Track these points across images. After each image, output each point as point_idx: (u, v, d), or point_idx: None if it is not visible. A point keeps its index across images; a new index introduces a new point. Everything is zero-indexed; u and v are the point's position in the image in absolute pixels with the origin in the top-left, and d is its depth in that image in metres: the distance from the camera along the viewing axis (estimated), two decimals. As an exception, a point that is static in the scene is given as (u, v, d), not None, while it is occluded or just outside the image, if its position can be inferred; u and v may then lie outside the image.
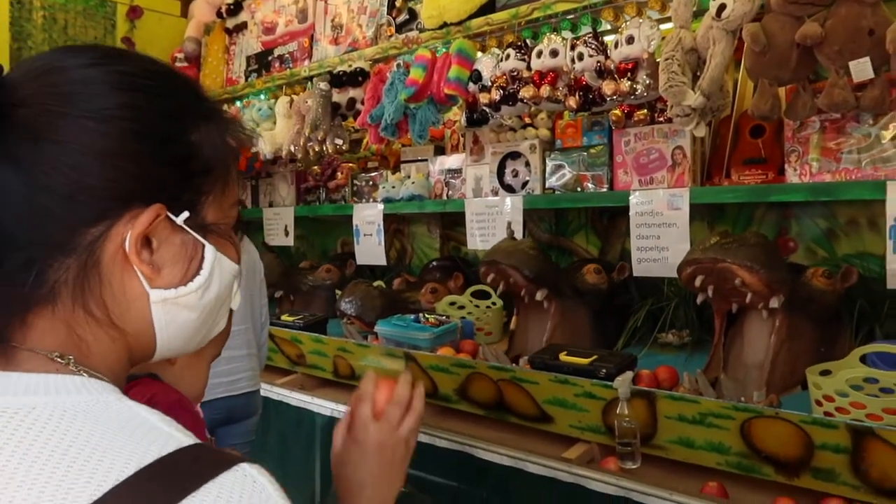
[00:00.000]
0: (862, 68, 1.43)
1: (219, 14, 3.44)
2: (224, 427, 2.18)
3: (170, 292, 0.55)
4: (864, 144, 1.68)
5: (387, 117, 2.38)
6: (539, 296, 2.13)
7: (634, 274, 2.12)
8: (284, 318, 2.81)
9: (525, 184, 2.43)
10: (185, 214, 0.55)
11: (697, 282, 1.69)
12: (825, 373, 1.52)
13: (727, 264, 1.60)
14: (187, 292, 0.56)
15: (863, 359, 1.55)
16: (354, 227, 2.95)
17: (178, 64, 3.46)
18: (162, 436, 0.47)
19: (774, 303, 1.63)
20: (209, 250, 0.57)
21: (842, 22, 1.44)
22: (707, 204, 2.14)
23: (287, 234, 3.30)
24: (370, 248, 2.92)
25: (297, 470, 2.53)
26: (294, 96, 2.90)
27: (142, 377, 0.81)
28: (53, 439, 0.45)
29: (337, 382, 2.62)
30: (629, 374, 1.72)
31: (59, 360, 0.50)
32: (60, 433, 0.45)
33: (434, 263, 2.98)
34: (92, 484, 0.42)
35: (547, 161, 2.37)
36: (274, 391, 2.61)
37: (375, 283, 2.97)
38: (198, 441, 0.49)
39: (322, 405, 2.44)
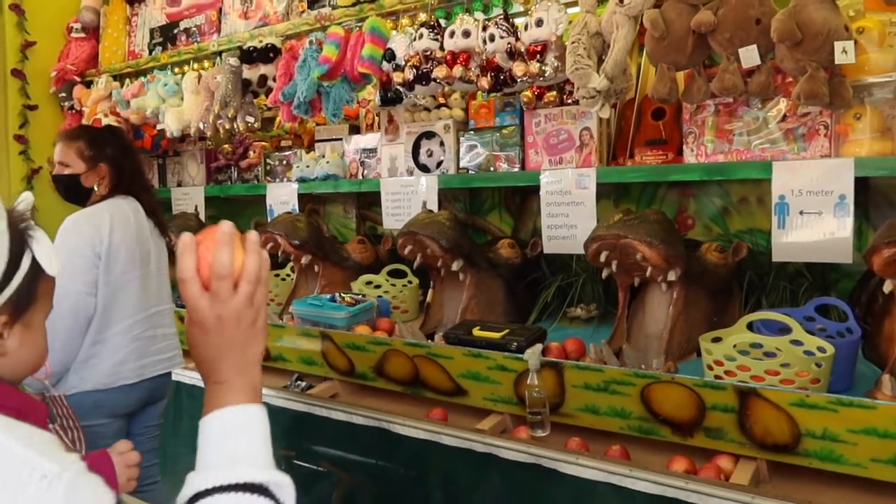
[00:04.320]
0: (750, 55, 1.53)
1: (119, -17, 3.28)
2: (147, 408, 2.14)
3: None
4: (754, 127, 1.80)
5: (299, 95, 2.35)
6: (455, 266, 2.18)
7: (545, 251, 2.20)
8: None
9: (440, 163, 2.45)
10: None
11: (602, 257, 1.78)
12: (716, 340, 1.64)
13: (629, 240, 1.69)
14: None
15: (749, 326, 1.68)
16: (268, 207, 2.90)
17: (74, 35, 3.28)
18: None
19: (672, 276, 1.73)
20: None
21: (732, 10, 1.54)
22: (613, 183, 2.24)
23: (197, 213, 3.20)
24: (285, 229, 2.87)
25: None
26: (202, 72, 2.80)
27: None
28: None
29: (252, 364, 2.58)
30: (538, 347, 1.79)
31: None
32: None
33: (360, 238, 2.99)
34: None
35: (461, 141, 2.40)
36: (186, 375, 2.54)
37: (289, 267, 2.94)
38: None
39: (237, 388, 2.41)
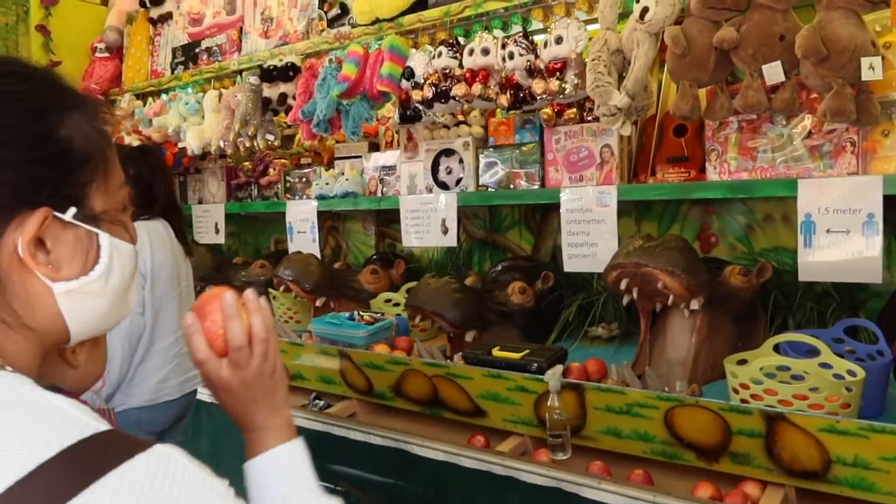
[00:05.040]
0: (774, 71, 1.50)
1: (142, 3, 3.33)
2: (178, 423, 2.17)
3: (73, 283, 0.56)
4: (778, 144, 1.77)
5: (319, 113, 2.35)
6: (468, 337, 2.13)
7: (565, 269, 2.16)
8: (215, 317, 2.74)
9: (459, 181, 2.44)
10: (73, 210, 0.55)
11: (622, 285, 1.75)
12: (742, 362, 1.60)
13: (649, 269, 1.66)
14: (90, 281, 0.57)
15: (776, 348, 1.64)
16: (288, 225, 2.91)
17: (98, 55, 3.33)
18: (80, 422, 0.49)
19: (695, 304, 1.70)
20: (104, 238, 0.58)
21: (755, 27, 1.51)
22: (634, 201, 2.21)
23: (217, 231, 3.22)
24: (304, 246, 2.87)
25: (233, 471, 2.48)
26: (223, 90, 2.83)
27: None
28: None
29: (270, 382, 2.58)
30: (559, 368, 1.76)
31: None
32: None
33: (374, 257, 2.98)
34: (17, 463, 0.43)
35: (480, 158, 2.39)
36: (206, 394, 2.54)
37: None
38: (113, 428, 0.50)
39: (255, 406, 2.40)
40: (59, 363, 0.71)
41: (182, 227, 2.18)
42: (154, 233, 2.05)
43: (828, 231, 1.65)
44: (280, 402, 0.82)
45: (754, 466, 1.53)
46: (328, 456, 2.17)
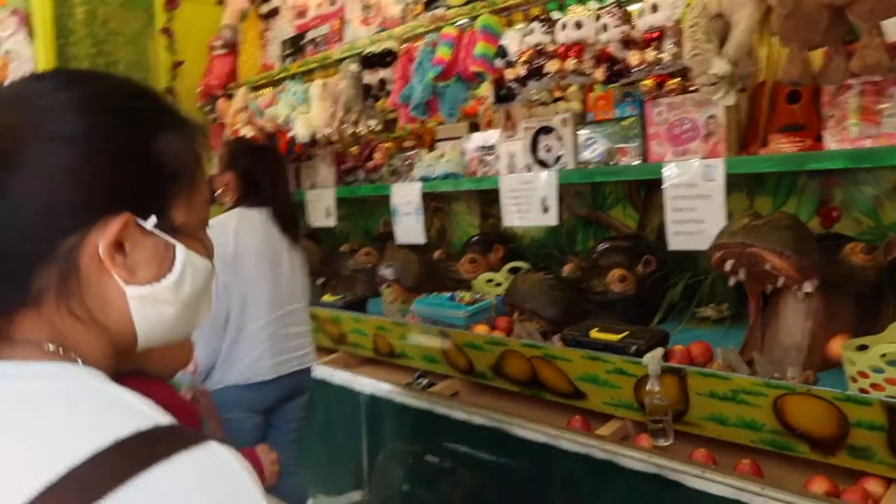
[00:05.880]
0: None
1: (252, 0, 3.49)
2: (288, 402, 2.28)
3: (145, 289, 0.60)
4: (908, 106, 1.59)
5: (415, 97, 2.38)
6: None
7: (670, 248, 2.07)
8: (326, 297, 2.87)
9: (558, 158, 2.39)
10: (154, 219, 0.59)
11: (727, 266, 1.65)
12: (862, 348, 1.47)
13: (756, 249, 1.55)
14: (161, 288, 0.61)
15: (902, 333, 1.49)
16: (393, 207, 2.97)
17: (216, 52, 3.53)
18: (141, 415, 0.52)
19: (808, 287, 1.57)
20: (180, 250, 0.62)
21: (875, -21, 1.36)
22: (746, 174, 2.08)
23: (328, 215, 3.35)
24: (409, 228, 2.93)
25: (344, 446, 2.61)
26: (328, 79, 2.92)
27: (130, 375, 0.85)
28: (43, 416, 0.50)
29: (378, 360, 2.67)
30: (659, 351, 1.70)
31: (51, 349, 0.56)
32: (49, 411, 0.50)
33: (475, 238, 2.99)
34: (73, 452, 0.46)
35: (579, 135, 2.32)
36: (318, 370, 2.67)
37: (414, 261, 3.00)
38: (174, 423, 0.53)
39: (364, 383, 2.50)
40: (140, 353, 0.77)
41: (289, 218, 2.27)
42: (245, 220, 2.15)
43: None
44: None
45: (875, 462, 1.41)
46: (434, 433, 2.22)
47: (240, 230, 2.11)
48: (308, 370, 2.34)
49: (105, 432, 0.48)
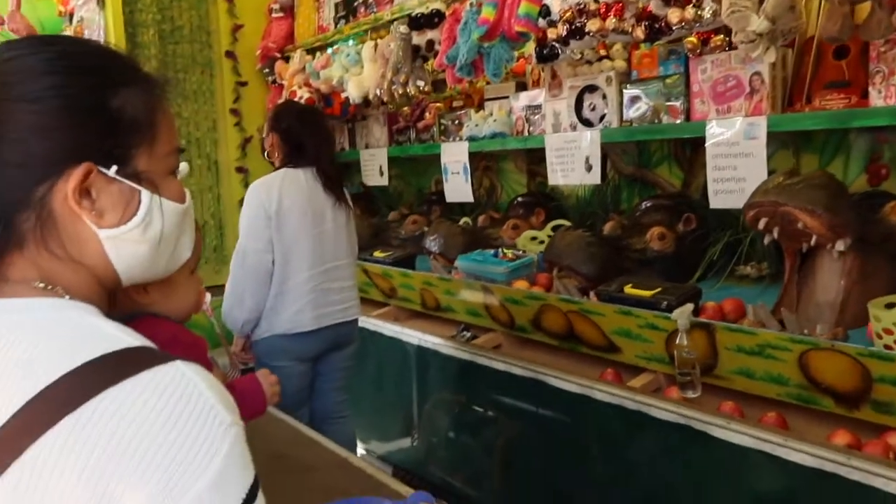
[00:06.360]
0: (940, -20, 1.32)
1: (309, -38, 3.56)
2: (334, 352, 2.41)
3: (114, 231, 0.67)
4: (959, 61, 1.55)
5: (461, 57, 2.42)
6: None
7: (711, 206, 2.08)
8: (376, 254, 2.99)
9: (603, 117, 2.41)
10: (115, 167, 0.67)
11: (761, 224, 1.66)
12: (891, 306, 1.47)
13: (788, 208, 1.56)
14: (128, 230, 0.68)
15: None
16: (443, 166, 3.05)
17: (274, 15, 3.64)
18: (113, 339, 0.59)
19: (840, 245, 1.58)
20: (144, 194, 0.69)
21: (919, -71, 1.33)
22: (791, 132, 2.05)
23: (382, 174, 3.45)
24: (458, 186, 3.00)
25: (395, 395, 2.74)
26: (379, 41, 2.98)
27: (141, 316, 0.96)
28: (27, 344, 0.58)
29: (425, 314, 2.78)
30: (689, 306, 1.74)
31: (39, 286, 0.65)
32: (31, 340, 0.59)
33: (518, 199, 3.04)
34: (48, 374, 0.55)
35: (623, 93, 2.33)
36: (370, 322, 2.81)
37: (462, 221, 3.08)
38: (146, 345, 0.60)
39: (412, 335, 2.62)
40: (139, 296, 0.87)
41: (332, 178, 2.34)
42: (289, 179, 2.25)
43: None
44: None
45: (898, 416, 1.43)
46: (478, 384, 2.33)
47: (283, 189, 2.22)
48: (352, 322, 2.43)
49: (76, 355, 0.56)
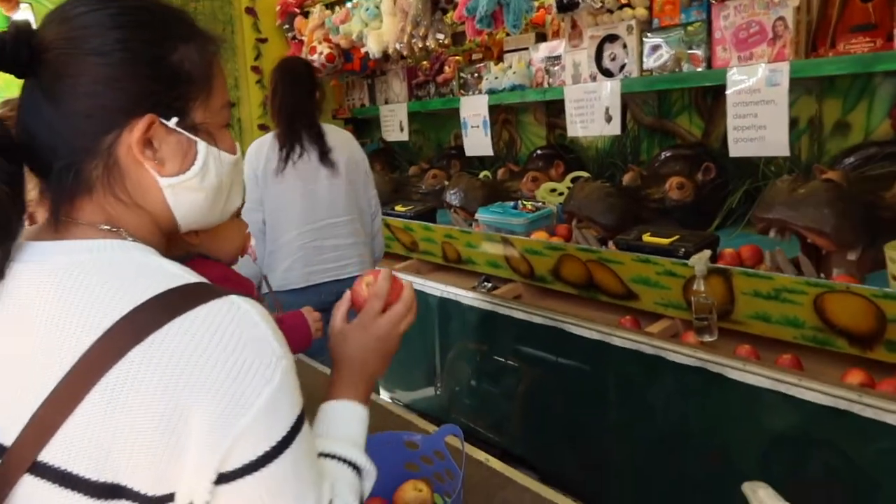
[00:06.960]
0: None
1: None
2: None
3: (174, 179, 0.72)
4: None
5: (481, 9, 2.42)
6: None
7: (731, 154, 2.09)
8: (398, 208, 3.04)
9: (623, 67, 2.40)
10: (175, 119, 0.71)
11: (772, 233, 1.74)
12: (907, 248, 1.49)
13: (797, 227, 1.60)
14: (187, 178, 0.73)
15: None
16: (462, 120, 3.06)
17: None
18: (177, 277, 0.65)
19: (851, 256, 1.60)
20: (201, 145, 0.73)
21: None
22: (815, 77, 2.04)
23: (402, 129, 3.47)
24: (477, 140, 3.02)
25: (418, 346, 2.81)
26: (398, -7, 2.97)
27: (194, 257, 1.02)
28: (93, 284, 0.63)
29: (447, 266, 2.83)
30: (706, 253, 1.76)
31: (105, 228, 0.70)
32: (102, 277, 0.64)
33: (538, 152, 3.05)
34: (118, 308, 0.61)
35: (644, 42, 2.32)
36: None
37: (481, 174, 3.10)
38: (204, 282, 0.66)
39: (434, 287, 2.67)
40: (191, 238, 0.93)
41: (313, 141, 2.29)
42: (270, 143, 2.28)
43: None
44: (383, 365, 0.92)
45: (911, 355, 1.46)
46: (498, 334, 2.39)
47: (270, 149, 2.25)
48: (352, 280, 2.45)
49: (143, 291, 0.62)
